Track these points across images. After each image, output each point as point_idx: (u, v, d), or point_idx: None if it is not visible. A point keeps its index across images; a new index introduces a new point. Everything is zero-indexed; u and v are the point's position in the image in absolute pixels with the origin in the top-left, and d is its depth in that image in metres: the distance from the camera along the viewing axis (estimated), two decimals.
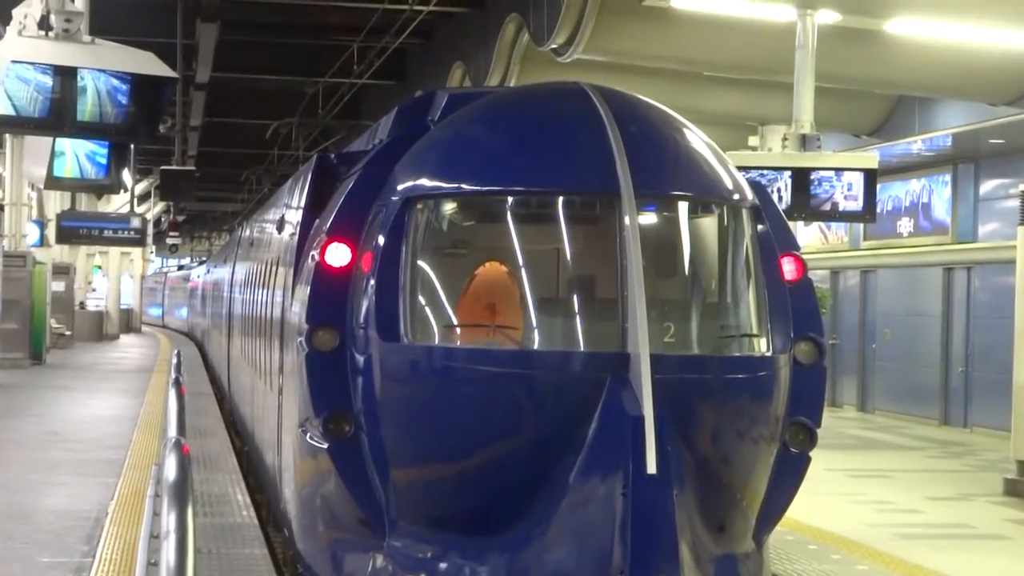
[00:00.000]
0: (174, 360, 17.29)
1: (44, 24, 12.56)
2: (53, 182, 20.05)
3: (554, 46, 20.83)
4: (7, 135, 27.01)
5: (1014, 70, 19.78)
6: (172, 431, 8.62)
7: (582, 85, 9.28)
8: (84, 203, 41.04)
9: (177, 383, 11.65)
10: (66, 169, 18.80)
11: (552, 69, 21.51)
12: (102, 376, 31.46)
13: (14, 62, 11.86)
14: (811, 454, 9.31)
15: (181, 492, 4.91)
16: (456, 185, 9.17)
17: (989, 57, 19.47)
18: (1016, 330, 17.76)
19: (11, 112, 12.08)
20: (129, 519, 11.89)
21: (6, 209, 32.97)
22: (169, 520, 4.77)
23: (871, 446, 23.37)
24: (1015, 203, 19.01)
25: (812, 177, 17.62)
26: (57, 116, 12.16)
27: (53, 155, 18.70)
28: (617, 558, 7.58)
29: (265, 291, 15.04)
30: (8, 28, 12.25)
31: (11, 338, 29.96)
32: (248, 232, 22.93)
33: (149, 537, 8.98)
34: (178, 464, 5.18)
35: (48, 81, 12.03)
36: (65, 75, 12.03)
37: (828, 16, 17.67)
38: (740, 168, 9.73)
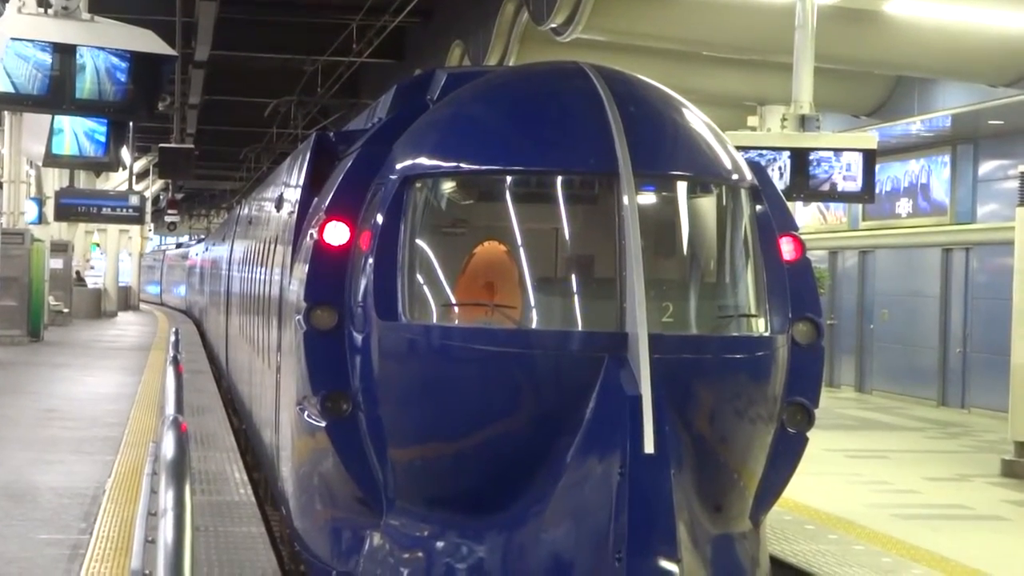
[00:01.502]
0: (172, 338, 17.30)
1: (43, 2, 12.55)
2: (52, 159, 20.09)
3: (553, 25, 20.79)
4: (6, 112, 26.97)
5: (1013, 51, 19.77)
6: (170, 409, 8.61)
7: (581, 65, 9.27)
8: (83, 180, 40.99)
9: (175, 361, 11.65)
10: (65, 146, 18.84)
11: (551, 48, 21.50)
12: (100, 353, 31.46)
13: (13, 39, 11.85)
14: (809, 434, 9.31)
15: (179, 470, 4.90)
16: (455, 164, 9.17)
17: (988, 39, 19.45)
18: (1014, 311, 17.77)
19: (10, 89, 12.08)
20: (126, 497, 11.89)
21: (4, 186, 32.93)
22: (167, 498, 4.76)
23: (869, 426, 23.41)
24: (1014, 184, 19.03)
25: (811, 158, 17.62)
26: (56, 93, 12.15)
27: (52, 132, 18.73)
28: (615, 538, 7.58)
29: (263, 269, 15.03)
30: (8, 5, 12.23)
31: (9, 315, 29.98)
32: (247, 210, 22.92)
33: (147, 515, 8.98)
34: (176, 442, 5.16)
35: (47, 59, 12.02)
36: (64, 52, 12.02)
37: None
38: (739, 148, 9.72)
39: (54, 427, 16.82)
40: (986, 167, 27.32)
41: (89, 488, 12.33)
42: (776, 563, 9.66)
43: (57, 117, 17.69)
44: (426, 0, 26.46)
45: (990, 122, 24.90)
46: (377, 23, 28.52)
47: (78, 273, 51.14)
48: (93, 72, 12.10)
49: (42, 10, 12.44)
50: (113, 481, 12.71)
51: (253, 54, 34.45)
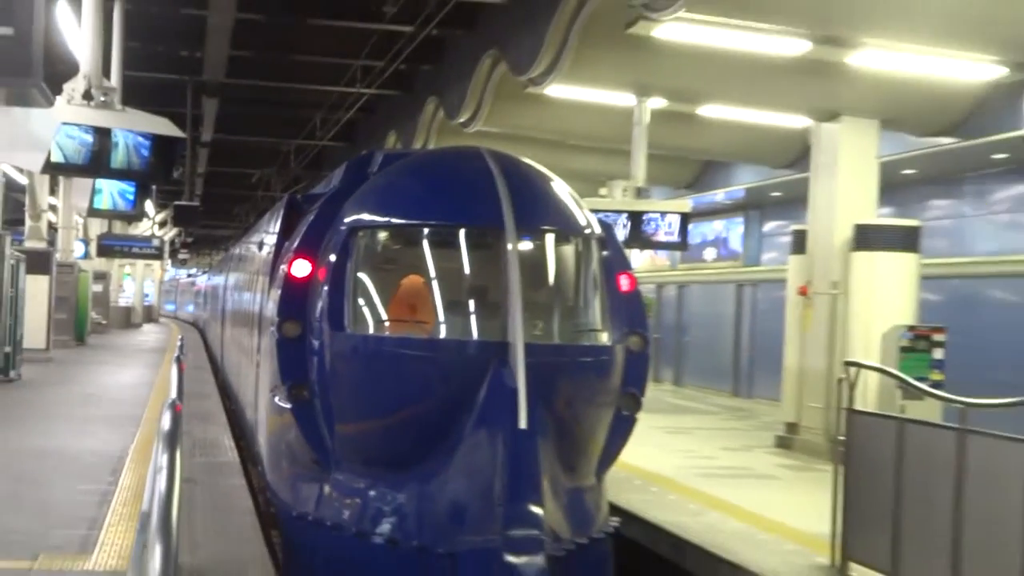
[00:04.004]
0: (178, 344, 17.13)
1: (87, 96, 12.41)
2: (93, 212, 19.80)
3: (461, 120, 20.84)
4: (60, 177, 26.59)
5: (787, 144, 20.02)
6: (172, 394, 8.53)
7: (480, 149, 9.27)
8: (118, 227, 40.40)
9: (178, 360, 11.51)
10: (103, 202, 18.58)
11: (460, 136, 21.52)
12: (129, 354, 31.06)
13: (64, 123, 11.72)
14: (637, 416, 9.34)
15: (172, 439, 4.85)
16: (387, 219, 9.15)
17: (770, 133, 19.68)
18: (786, 329, 17.99)
19: (61, 160, 11.95)
20: (144, 458, 11.72)
21: (59, 231, 32.65)
22: (162, 459, 4.72)
23: (681, 411, 23.53)
24: (788, 239, 19.23)
25: (644, 218, 17.71)
26: (95, 163, 12.02)
27: (93, 192, 18.47)
28: (498, 489, 7.58)
29: (249, 293, 14.93)
30: (59, 98, 12.07)
31: (61, 325, 29.49)
32: (237, 250, 22.78)
33: (154, 471, 8.92)
34: (171, 418, 5.12)
35: (89, 138, 11.89)
36: (102, 133, 11.89)
37: (657, 102, 17.79)
38: (592, 210, 9.75)
39: (92, 407, 16.60)
40: (768, 226, 27.63)
41: (116, 452, 12.18)
42: (613, 509, 9.67)
43: (97, 180, 17.44)
44: (370, 101, 26.45)
45: (771, 194, 25.18)
46: (334, 117, 28.52)
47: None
48: (124, 148, 11.97)
49: (86, 102, 12.31)
50: (134, 447, 12.56)
51: (244, 137, 34.18)
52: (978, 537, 7.56)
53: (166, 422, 5.13)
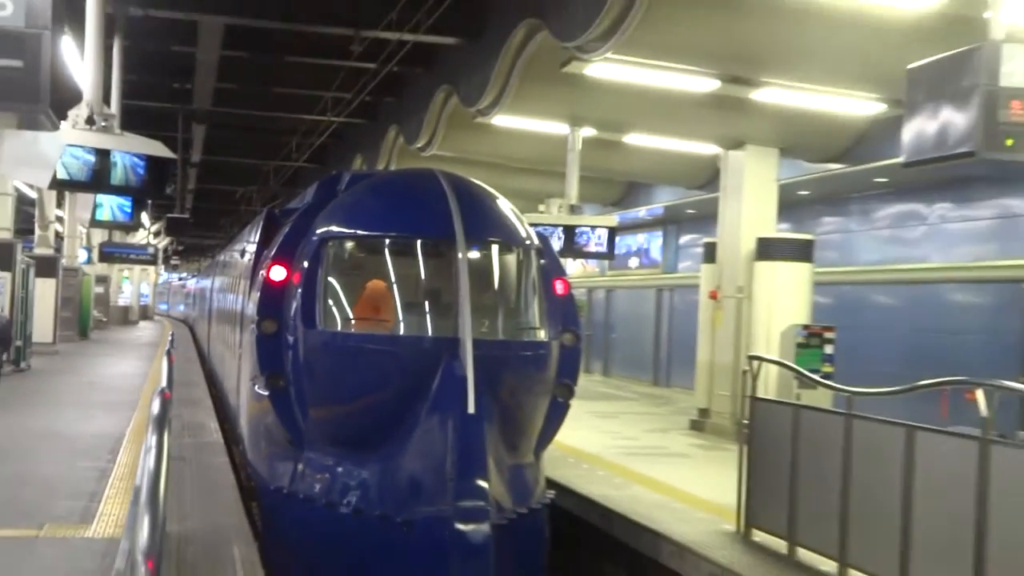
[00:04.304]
0: (169, 339, 16.95)
1: (89, 121, 12.26)
2: (95, 223, 19.63)
3: (418, 146, 20.80)
4: (65, 192, 26.25)
5: (699, 167, 20.11)
6: (162, 383, 8.43)
7: (434, 170, 9.27)
8: (117, 237, 39.84)
9: (168, 353, 11.40)
10: (104, 215, 18.40)
11: (417, 159, 21.47)
12: (127, 347, 30.66)
13: (69, 145, 11.57)
14: (571, 402, 9.37)
15: (160, 422, 4.79)
16: (354, 231, 9.11)
17: (685, 158, 19.73)
18: (699, 327, 18.07)
19: (66, 177, 11.79)
20: (139, 439, 11.58)
21: (65, 240, 32.27)
22: (151, 440, 4.66)
23: (609, 398, 23.57)
24: (700, 250, 19.34)
25: (576, 231, 17.78)
26: (97, 180, 11.87)
27: (95, 206, 18.28)
28: (449, 466, 7.58)
29: (232, 295, 14.80)
30: (64, 123, 11.90)
31: (67, 322, 29.12)
32: (223, 257, 22.58)
33: (145, 451, 8.82)
34: (160, 404, 5.05)
35: (91, 158, 11.74)
36: (102, 154, 11.75)
37: (588, 131, 17.84)
38: (531, 224, 9.77)
39: (93, 394, 16.37)
40: (684, 239, 27.73)
41: (115, 433, 12.02)
42: (550, 483, 9.68)
43: (98, 195, 17.25)
44: (339, 128, 26.33)
45: (687, 211, 25.28)
46: (308, 142, 28.37)
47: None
48: (122, 167, 11.83)
49: (88, 126, 12.15)
50: (130, 429, 12.40)
51: (229, 159, 33.93)
52: (862, 506, 7.63)
53: (156, 408, 5.07)
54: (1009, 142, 7.20)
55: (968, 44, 7.43)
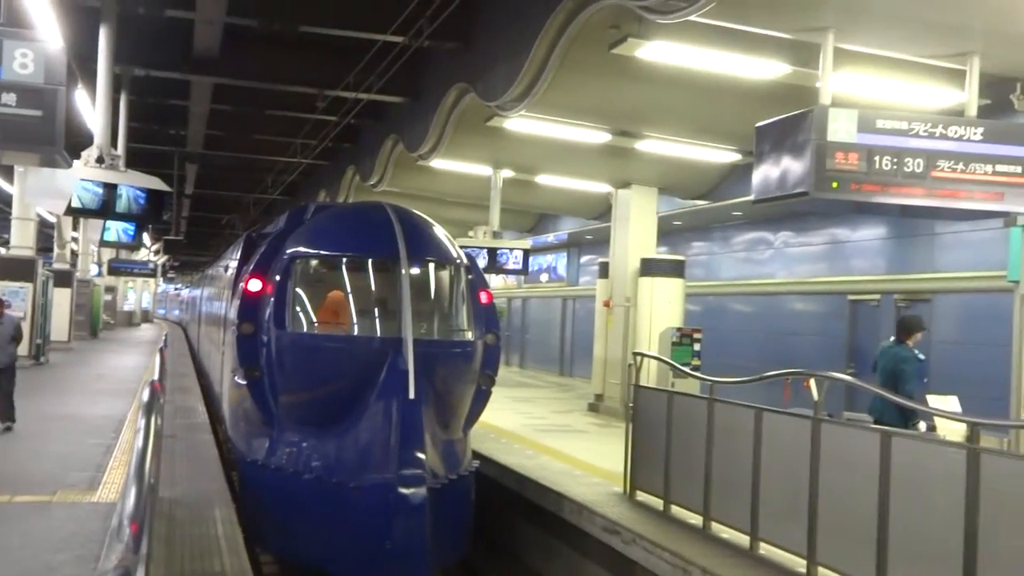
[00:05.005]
0: (163, 338, 16.62)
1: (99, 160, 12.00)
2: (104, 243, 19.20)
3: (371, 182, 20.65)
4: (80, 218, 25.65)
5: (595, 202, 20.22)
6: (154, 375, 8.26)
7: (383, 203, 9.24)
8: (123, 255, 38.98)
9: (161, 350, 11.18)
10: (111, 236, 18.01)
11: (370, 193, 21.28)
12: (130, 345, 29.97)
13: (81, 180, 11.34)
14: (492, 389, 9.37)
15: (149, 408, 4.67)
16: (318, 251, 9.02)
17: (583, 195, 19.79)
18: (596, 329, 18.15)
19: (79, 205, 11.57)
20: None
21: (80, 257, 31.60)
22: (141, 423, 4.55)
23: (524, 385, 23.58)
24: (596, 268, 19.46)
25: (498, 252, 17.77)
26: (105, 209, 11.64)
27: (104, 229, 17.87)
28: (393, 441, 7.54)
29: (218, 302, 14.55)
30: (77, 161, 11.67)
31: (80, 324, 28.47)
32: (211, 271, 22.21)
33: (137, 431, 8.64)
34: (150, 392, 4.94)
35: (100, 190, 11.50)
36: (110, 187, 11.52)
37: (507, 173, 17.87)
38: (462, 246, 9.75)
39: (102, 383, 15.99)
40: (584, 259, 27.83)
41: (118, 415, 11.76)
42: (475, 454, 9.64)
43: (106, 221, 16.89)
44: (306, 168, 26.06)
45: (586, 237, 25.42)
46: (281, 179, 28.03)
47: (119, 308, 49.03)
48: (126, 198, 11.59)
49: (98, 164, 11.89)
50: (131, 412, 12.13)
51: (217, 192, 33.37)
52: (722, 472, 7.71)
53: (145, 395, 4.96)
54: (835, 185, 7.37)
55: (803, 108, 7.59)
